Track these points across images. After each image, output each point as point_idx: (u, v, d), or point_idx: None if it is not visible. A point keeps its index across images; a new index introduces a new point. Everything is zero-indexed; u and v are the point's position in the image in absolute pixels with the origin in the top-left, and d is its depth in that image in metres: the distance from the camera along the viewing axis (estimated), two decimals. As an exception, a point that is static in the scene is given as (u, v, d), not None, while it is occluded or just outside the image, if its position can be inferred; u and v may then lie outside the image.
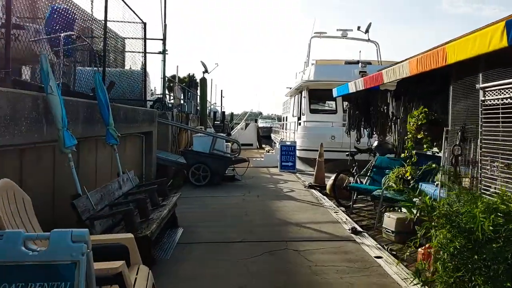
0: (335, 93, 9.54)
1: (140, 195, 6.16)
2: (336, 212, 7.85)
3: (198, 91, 23.35)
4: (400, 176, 7.76)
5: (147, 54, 14.03)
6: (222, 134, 14.86)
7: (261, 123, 40.33)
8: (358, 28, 20.95)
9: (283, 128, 25.06)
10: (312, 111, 17.38)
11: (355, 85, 7.87)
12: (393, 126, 9.20)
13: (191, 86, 26.18)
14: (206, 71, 21.11)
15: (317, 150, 14.66)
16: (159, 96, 16.60)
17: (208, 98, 32.41)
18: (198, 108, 23.57)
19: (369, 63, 18.08)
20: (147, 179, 10.49)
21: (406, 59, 5.58)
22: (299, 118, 18.89)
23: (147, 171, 10.54)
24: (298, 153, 14.87)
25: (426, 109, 5.74)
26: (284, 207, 8.29)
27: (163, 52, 13.32)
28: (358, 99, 9.45)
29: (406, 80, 8.41)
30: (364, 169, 9.51)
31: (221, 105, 39.02)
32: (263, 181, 11.82)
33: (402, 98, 8.83)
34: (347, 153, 9.65)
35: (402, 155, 6.69)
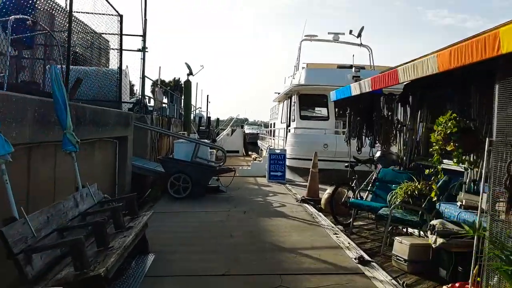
0: (332, 96, 8.49)
1: (100, 215, 5.00)
2: (336, 234, 6.76)
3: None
4: (409, 192, 6.74)
5: (126, 52, 12.96)
6: (206, 140, 13.74)
7: (247, 129, 39.24)
8: (350, 32, 20.07)
9: (270, 135, 23.98)
10: (303, 117, 16.34)
11: (360, 86, 6.83)
12: (398, 134, 8.20)
13: (176, 91, 25.05)
14: (190, 73, 19.96)
15: (309, 159, 13.60)
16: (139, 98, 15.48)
17: (193, 103, 31.27)
18: (181, 112, 22.42)
19: (362, 67, 17.19)
20: (121, 190, 9.34)
21: (433, 52, 4.55)
22: (288, 125, 17.86)
23: (121, 181, 9.36)
24: (287, 162, 13.80)
25: (455, 115, 4.70)
26: (275, 226, 7.18)
27: (143, 49, 12.19)
28: (359, 103, 8.42)
29: (415, 82, 7.44)
30: (365, 183, 8.49)
31: (207, 110, 37.87)
32: (250, 193, 10.70)
33: (410, 102, 7.85)
34: (346, 164, 8.58)
35: (426, 171, 5.66)
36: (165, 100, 18.57)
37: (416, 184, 6.82)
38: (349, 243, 6.25)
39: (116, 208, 5.03)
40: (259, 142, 29.73)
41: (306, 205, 9.22)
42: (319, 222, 7.61)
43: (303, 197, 9.77)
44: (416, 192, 6.70)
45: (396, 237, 5.88)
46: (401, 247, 5.68)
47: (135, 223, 5.34)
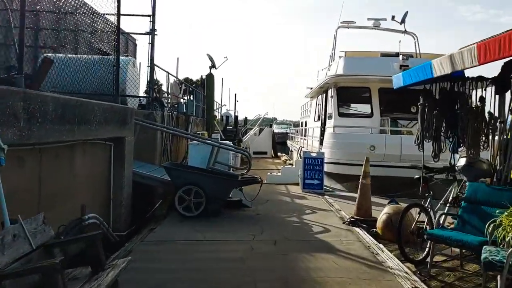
0: (398, 81, 6.11)
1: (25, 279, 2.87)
2: (416, 289, 4.43)
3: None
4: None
5: (136, 37, 11.00)
6: (227, 141, 11.54)
7: (276, 129, 36.91)
8: (393, 17, 17.55)
9: (301, 135, 21.59)
10: (342, 114, 13.94)
11: (453, 61, 4.45)
12: (490, 134, 5.81)
13: (201, 87, 23.16)
14: (213, 66, 17.85)
15: (351, 164, 11.29)
16: (156, 91, 13.58)
17: (218, 99, 29.29)
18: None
19: (410, 55, 14.72)
20: (117, 207, 7.33)
21: None
22: (323, 123, 15.50)
23: (117, 195, 7.33)
24: (325, 167, 11.47)
25: None
26: (321, 270, 4.87)
27: (152, 32, 10.12)
28: (436, 91, 6.05)
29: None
30: (441, 202, 6.14)
31: (235, 109, 35.88)
32: (281, 209, 8.43)
33: (512, 89, 5.46)
34: (416, 176, 6.17)
35: None
36: (181, 94, 16.53)
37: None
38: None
39: (49, 268, 2.85)
40: (288, 142, 27.37)
41: (357, 229, 6.86)
42: (384, 262, 5.25)
43: (352, 217, 7.40)
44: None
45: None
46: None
47: (93, 285, 3.19)
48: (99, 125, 6.28)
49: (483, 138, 5.77)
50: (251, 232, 6.50)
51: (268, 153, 23.64)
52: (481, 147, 5.80)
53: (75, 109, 5.44)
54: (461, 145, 5.92)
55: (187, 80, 25.44)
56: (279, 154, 24.53)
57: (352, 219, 7.20)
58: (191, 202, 7.41)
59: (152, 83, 10.18)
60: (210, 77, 17.53)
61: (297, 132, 23.90)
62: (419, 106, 6.11)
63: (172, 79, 14.40)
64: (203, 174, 7.66)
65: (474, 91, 5.83)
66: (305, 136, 19.86)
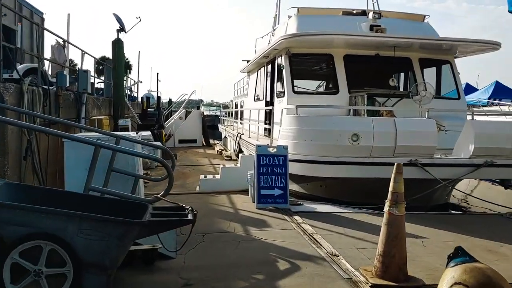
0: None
1: None
2: None
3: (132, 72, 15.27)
4: None
5: None
6: (131, 133, 7.31)
7: (204, 111, 32.78)
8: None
9: (236, 118, 17.65)
10: (297, 91, 10.33)
11: None
12: None
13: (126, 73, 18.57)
14: (122, 29, 13.47)
15: (320, 162, 7.74)
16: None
17: (132, 75, 24.76)
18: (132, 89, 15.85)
19: (381, 14, 11.44)
20: None
21: None
22: (269, 103, 11.84)
23: None
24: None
25: None
26: None
27: None
28: None
29: None
30: None
31: (157, 89, 31.21)
32: (230, 263, 4.57)
33: None
34: None
35: None
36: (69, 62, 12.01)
37: None
38: None
39: None
40: (220, 126, 23.34)
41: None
42: None
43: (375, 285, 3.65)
44: None
45: None
46: None
47: None
48: None
49: None
50: None
51: (198, 141, 19.60)
52: None
53: None
54: None
55: (104, 59, 20.56)
56: (211, 142, 20.59)
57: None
58: (40, 276, 3.37)
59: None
60: (117, 43, 13.11)
61: (230, 115, 19.99)
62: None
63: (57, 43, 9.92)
64: (69, 213, 3.58)
65: None
66: (240, 119, 15.97)
